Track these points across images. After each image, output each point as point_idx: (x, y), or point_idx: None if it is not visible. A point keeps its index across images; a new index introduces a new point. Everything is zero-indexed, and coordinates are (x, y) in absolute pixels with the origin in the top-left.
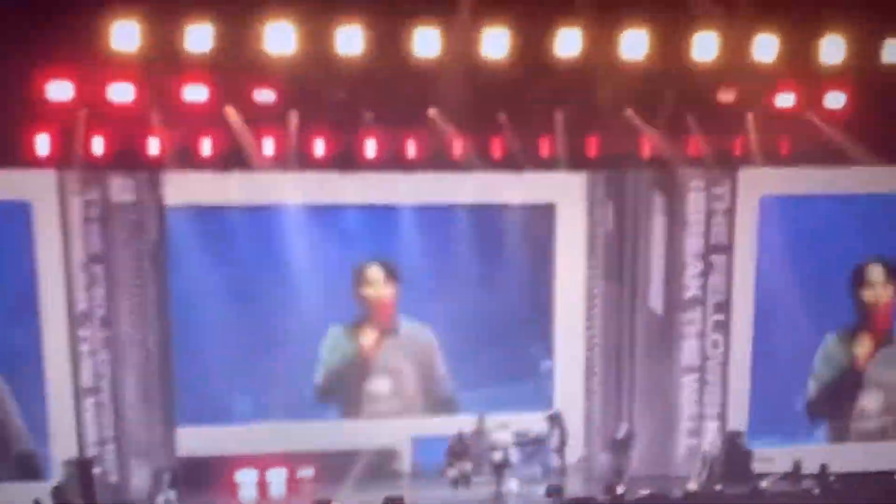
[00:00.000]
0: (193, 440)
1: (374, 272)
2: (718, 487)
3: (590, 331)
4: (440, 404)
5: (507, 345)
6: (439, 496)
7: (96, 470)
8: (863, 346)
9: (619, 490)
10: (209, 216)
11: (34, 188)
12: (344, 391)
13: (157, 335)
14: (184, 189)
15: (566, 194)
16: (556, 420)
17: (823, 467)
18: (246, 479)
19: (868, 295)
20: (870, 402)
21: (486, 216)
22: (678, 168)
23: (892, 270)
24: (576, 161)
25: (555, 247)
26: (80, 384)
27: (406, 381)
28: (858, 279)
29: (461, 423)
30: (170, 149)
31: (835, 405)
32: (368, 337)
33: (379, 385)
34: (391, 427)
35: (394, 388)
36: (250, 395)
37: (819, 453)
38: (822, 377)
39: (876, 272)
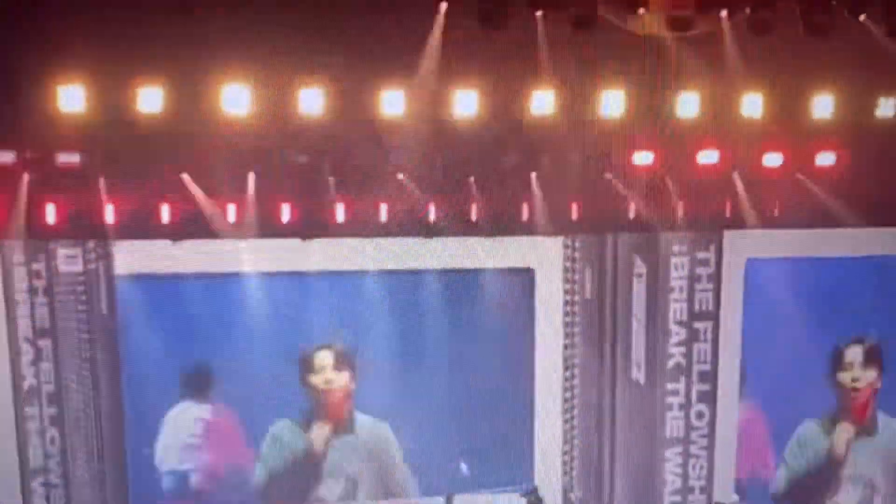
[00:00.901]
0: None
1: (323, 357)
2: None
3: (567, 402)
4: None
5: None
6: None
7: None
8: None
9: None
10: (159, 286)
11: None
12: (287, 496)
13: (109, 411)
14: (134, 258)
15: (543, 260)
16: (532, 498)
17: None
18: None
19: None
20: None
21: (455, 282)
22: (660, 232)
23: (871, 351)
24: (553, 225)
25: (534, 315)
26: (27, 465)
27: (362, 486)
28: (837, 362)
29: None
30: (123, 216)
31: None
32: (318, 434)
33: (330, 490)
34: None
35: (345, 494)
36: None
37: None
38: (794, 467)
39: (852, 354)
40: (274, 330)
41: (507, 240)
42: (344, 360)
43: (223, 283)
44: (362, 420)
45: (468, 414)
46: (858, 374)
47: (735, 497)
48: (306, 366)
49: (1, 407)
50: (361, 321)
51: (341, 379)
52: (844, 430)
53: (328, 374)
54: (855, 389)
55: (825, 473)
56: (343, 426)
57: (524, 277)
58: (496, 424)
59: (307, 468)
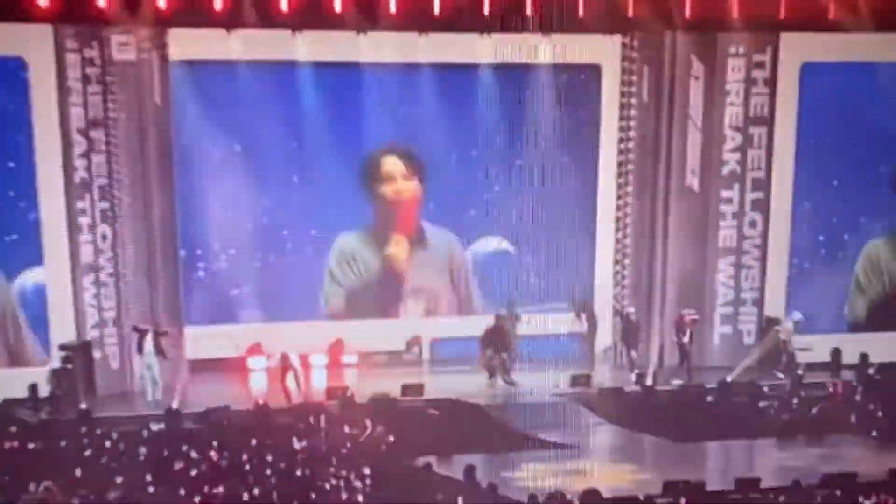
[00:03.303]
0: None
1: (393, 164)
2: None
3: (621, 210)
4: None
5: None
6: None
7: (96, 354)
8: None
9: (649, 381)
10: (215, 73)
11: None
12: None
13: (161, 208)
14: (189, 46)
15: (601, 58)
16: (584, 308)
17: (864, 358)
18: (257, 365)
19: None
20: None
21: (518, 79)
22: (718, 32)
23: None
24: (610, 22)
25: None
26: (78, 261)
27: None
28: None
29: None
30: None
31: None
32: (397, 250)
33: (412, 308)
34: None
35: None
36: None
37: (860, 342)
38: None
39: None
40: (335, 130)
41: (563, 37)
42: (413, 167)
43: (278, 73)
44: (432, 232)
45: (534, 225)
46: None
47: (798, 315)
48: (373, 174)
49: (52, 199)
50: (427, 122)
51: (411, 188)
52: None
53: (399, 183)
54: None
55: None
56: (415, 240)
57: (590, 75)
58: (559, 237)
59: (388, 287)
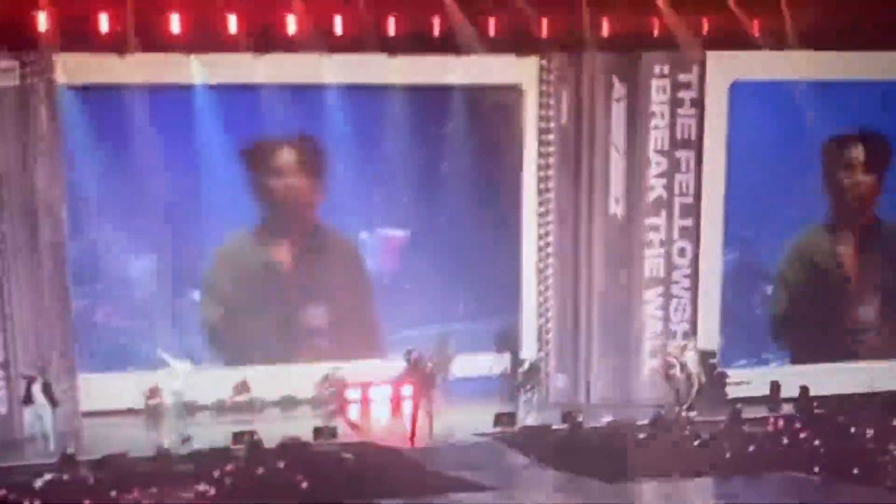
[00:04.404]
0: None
1: (285, 156)
2: (692, 414)
3: (542, 239)
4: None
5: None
6: None
7: None
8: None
9: (578, 418)
10: (106, 98)
11: None
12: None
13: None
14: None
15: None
16: (506, 342)
17: (805, 391)
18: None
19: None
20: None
21: (432, 101)
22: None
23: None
24: (527, 43)
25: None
26: None
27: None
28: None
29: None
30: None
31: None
32: (280, 251)
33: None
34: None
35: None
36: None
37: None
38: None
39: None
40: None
41: (477, 59)
42: (311, 161)
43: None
44: (332, 236)
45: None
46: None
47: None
48: (263, 164)
49: None
50: (332, 153)
51: (307, 184)
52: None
53: (289, 178)
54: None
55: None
56: (310, 242)
57: (512, 97)
58: (477, 263)
59: (276, 291)
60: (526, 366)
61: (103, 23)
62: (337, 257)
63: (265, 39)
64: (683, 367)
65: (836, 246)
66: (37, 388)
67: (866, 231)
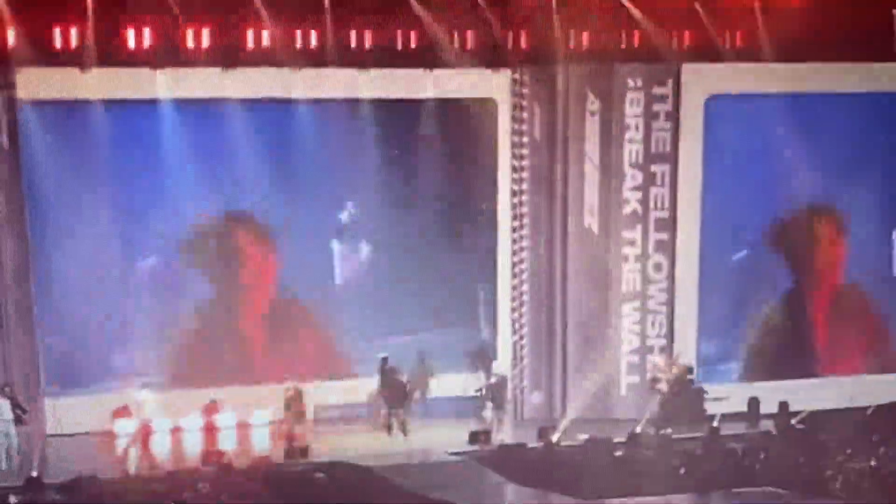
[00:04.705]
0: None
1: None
2: (668, 431)
3: (517, 255)
4: None
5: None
6: None
7: None
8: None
9: (554, 436)
10: (67, 113)
11: None
12: None
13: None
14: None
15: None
16: (480, 358)
17: (784, 406)
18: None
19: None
20: None
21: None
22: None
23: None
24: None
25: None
26: None
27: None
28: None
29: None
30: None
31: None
32: None
33: None
34: None
35: None
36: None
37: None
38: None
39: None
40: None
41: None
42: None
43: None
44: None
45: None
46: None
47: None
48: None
49: None
50: (301, 167)
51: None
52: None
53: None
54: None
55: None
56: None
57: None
58: (450, 278)
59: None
60: (492, 379)
61: (63, 38)
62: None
63: (231, 54)
64: (670, 382)
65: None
66: (4, 405)
67: None
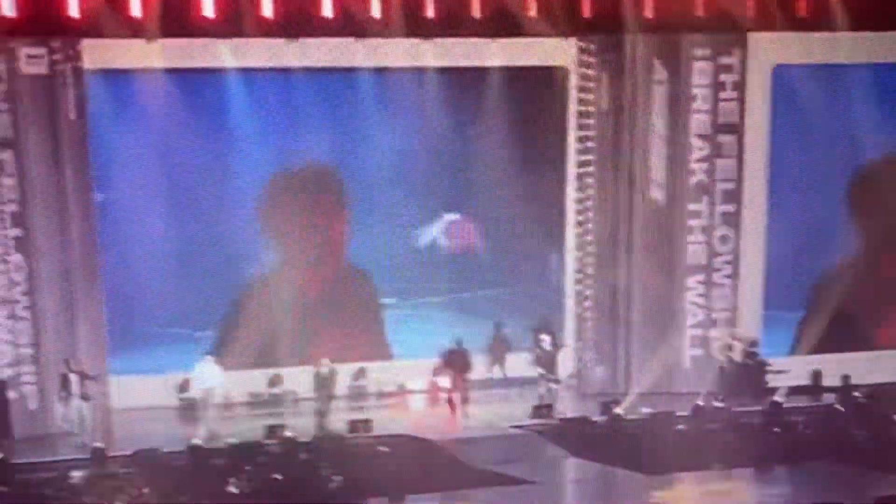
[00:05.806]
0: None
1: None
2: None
3: (581, 226)
4: None
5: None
6: None
7: (11, 395)
8: None
9: (618, 409)
10: (133, 84)
11: None
12: None
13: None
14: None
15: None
16: (548, 329)
17: (846, 379)
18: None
19: None
20: None
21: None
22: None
23: None
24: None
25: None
26: None
27: None
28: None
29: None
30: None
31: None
32: None
33: None
34: None
35: None
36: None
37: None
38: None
39: None
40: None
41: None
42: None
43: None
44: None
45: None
46: None
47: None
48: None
49: None
50: (368, 134)
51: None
52: None
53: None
54: None
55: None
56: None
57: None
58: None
59: None
60: (546, 347)
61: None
62: None
63: (297, 24)
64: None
65: None
66: (75, 381)
67: None
